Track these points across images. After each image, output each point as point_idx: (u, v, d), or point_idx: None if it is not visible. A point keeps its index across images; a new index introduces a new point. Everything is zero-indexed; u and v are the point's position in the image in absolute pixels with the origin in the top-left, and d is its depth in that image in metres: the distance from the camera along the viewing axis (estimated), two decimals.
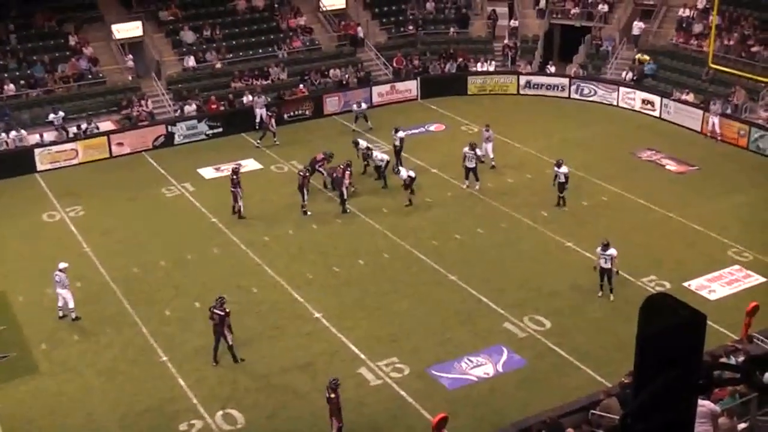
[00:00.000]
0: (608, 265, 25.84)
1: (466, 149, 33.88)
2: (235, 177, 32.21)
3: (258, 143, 39.49)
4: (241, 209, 32.17)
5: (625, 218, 31.75)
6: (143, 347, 24.50)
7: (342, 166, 32.74)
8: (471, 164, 33.70)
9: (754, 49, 41.51)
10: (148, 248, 30.30)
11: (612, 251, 25.74)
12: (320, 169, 33.89)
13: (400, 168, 33.71)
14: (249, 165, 37.17)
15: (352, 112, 41.81)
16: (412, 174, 33.08)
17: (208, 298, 26.45)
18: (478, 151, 33.89)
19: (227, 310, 23.56)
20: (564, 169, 32.01)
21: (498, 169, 35.95)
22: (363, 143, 35.57)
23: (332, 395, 20.38)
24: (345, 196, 32.36)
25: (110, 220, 32.74)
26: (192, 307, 26.40)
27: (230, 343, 23.66)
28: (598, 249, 26.02)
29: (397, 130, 36.66)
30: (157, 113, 41.32)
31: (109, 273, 28.61)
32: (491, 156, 36.06)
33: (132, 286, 27.78)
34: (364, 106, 42.03)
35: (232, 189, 32.18)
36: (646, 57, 44.76)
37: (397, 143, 36.34)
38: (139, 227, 32.05)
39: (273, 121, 39.97)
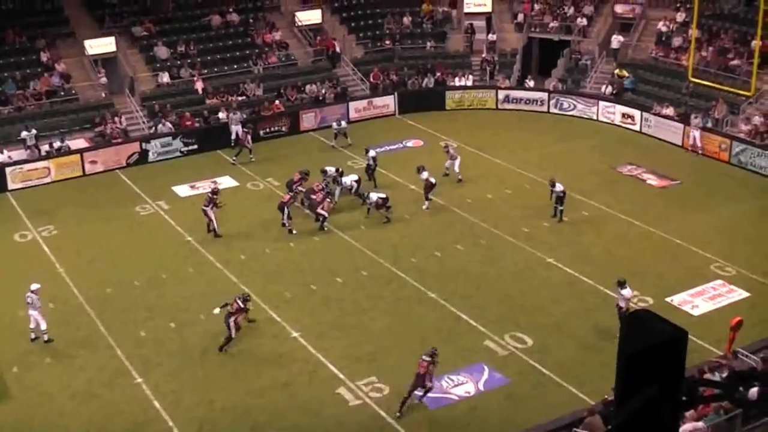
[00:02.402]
0: (622, 305, 24.83)
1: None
2: (214, 196, 32.13)
3: (234, 160, 39.44)
4: (216, 228, 32.06)
5: (607, 233, 31.85)
6: (117, 369, 24.32)
7: (320, 191, 32.70)
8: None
9: (733, 62, 41.82)
10: (122, 268, 30.12)
11: (625, 292, 24.75)
12: (299, 188, 33.75)
13: (370, 193, 33.50)
14: (225, 182, 37.06)
15: (332, 129, 41.82)
16: (383, 195, 33.16)
17: (183, 319, 26.49)
18: (423, 174, 33.94)
19: (248, 308, 25.37)
20: (559, 186, 32.28)
21: (477, 184, 36.01)
22: (331, 169, 35.24)
23: (430, 358, 21.77)
24: (326, 215, 32.37)
25: (84, 239, 32.56)
26: (167, 327, 26.25)
27: (231, 335, 24.80)
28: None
29: (367, 150, 36.75)
30: (131, 130, 41.18)
31: (82, 293, 28.42)
32: (457, 170, 36.35)
33: (106, 307, 27.58)
34: (343, 123, 42.07)
35: (204, 207, 32.03)
36: (625, 72, 45.02)
37: (371, 162, 36.36)
38: (112, 247, 31.86)
39: (249, 137, 39.94)
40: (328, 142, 41.45)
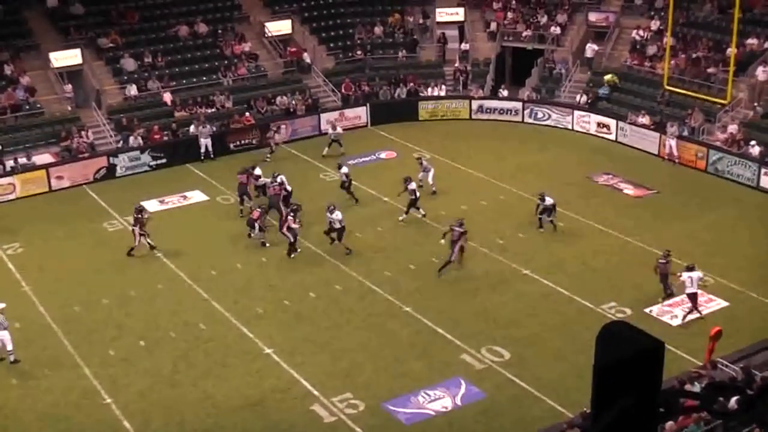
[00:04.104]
0: (693, 289, 26.39)
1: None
2: (139, 215, 31.91)
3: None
4: (146, 243, 31.82)
5: (583, 244, 31.95)
6: (86, 389, 24.12)
7: (287, 209, 32.35)
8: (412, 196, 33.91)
9: (709, 70, 42.13)
10: (90, 286, 29.93)
11: (691, 275, 26.39)
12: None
13: (336, 211, 31.44)
14: (195, 197, 36.99)
15: (329, 135, 41.93)
16: (342, 222, 31.36)
17: (153, 337, 26.35)
18: (411, 185, 33.82)
19: (465, 230, 29.28)
20: (549, 200, 32.42)
21: (452, 196, 36.04)
22: (258, 171, 35.53)
23: (665, 260, 27.05)
24: (291, 239, 31.38)
25: (50, 256, 32.33)
26: (136, 345, 26.08)
27: (452, 258, 29.06)
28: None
29: (340, 166, 36.51)
30: (98, 144, 40.96)
31: (49, 312, 28.21)
32: (430, 182, 36.34)
33: (73, 326, 27.38)
34: (339, 129, 42.16)
35: (136, 228, 31.74)
36: (616, 78, 45.03)
37: (344, 179, 36.05)
38: (80, 264, 31.66)
39: (276, 135, 41.67)
40: (298, 155, 41.40)
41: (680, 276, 26.62)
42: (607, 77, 45.19)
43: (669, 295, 27.56)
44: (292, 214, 31.66)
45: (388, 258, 31.24)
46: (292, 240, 31.37)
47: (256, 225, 32.10)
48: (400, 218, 33.94)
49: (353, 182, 36.04)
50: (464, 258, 30.30)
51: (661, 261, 27.41)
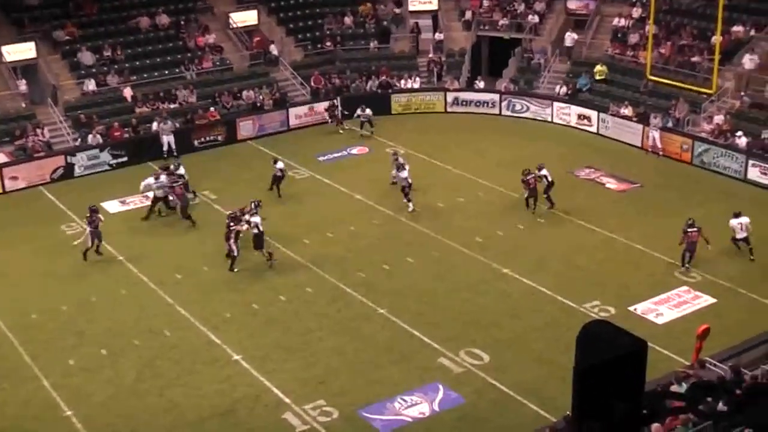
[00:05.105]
0: (744, 234, 29.70)
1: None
2: (89, 216, 31.72)
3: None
4: (82, 247, 31.60)
5: (565, 241, 32.06)
6: (45, 402, 23.93)
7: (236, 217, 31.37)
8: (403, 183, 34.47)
9: (694, 59, 42.35)
10: (48, 292, 29.75)
11: (740, 220, 29.81)
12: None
13: (253, 217, 30.87)
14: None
15: (357, 117, 42.72)
16: (261, 225, 30.76)
17: (115, 345, 26.19)
18: (403, 173, 34.10)
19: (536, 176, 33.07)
20: (545, 171, 33.81)
21: (427, 193, 36.07)
22: (163, 178, 35.30)
23: (697, 229, 28.88)
24: (235, 253, 30.53)
25: (4, 262, 32.09)
26: (98, 354, 25.93)
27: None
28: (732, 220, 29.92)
29: (276, 161, 36.71)
30: (55, 143, 40.74)
31: (4, 321, 27.97)
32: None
33: (31, 335, 27.18)
34: (368, 111, 42.59)
35: (90, 229, 31.62)
36: (604, 68, 45.04)
37: (279, 174, 36.23)
38: (37, 269, 31.46)
39: (338, 113, 44.17)
40: (267, 150, 41.33)
41: (729, 223, 29.83)
42: (598, 68, 45.22)
43: (687, 269, 29.45)
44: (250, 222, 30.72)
45: (361, 258, 31.24)
46: (236, 254, 30.51)
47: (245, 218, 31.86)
48: (409, 209, 34.20)
49: (321, 178, 36.08)
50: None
51: (692, 231, 29.14)
